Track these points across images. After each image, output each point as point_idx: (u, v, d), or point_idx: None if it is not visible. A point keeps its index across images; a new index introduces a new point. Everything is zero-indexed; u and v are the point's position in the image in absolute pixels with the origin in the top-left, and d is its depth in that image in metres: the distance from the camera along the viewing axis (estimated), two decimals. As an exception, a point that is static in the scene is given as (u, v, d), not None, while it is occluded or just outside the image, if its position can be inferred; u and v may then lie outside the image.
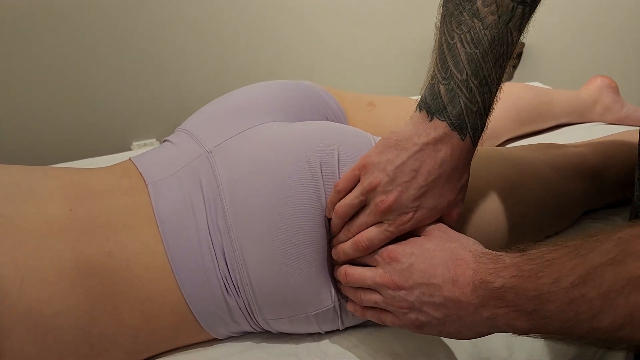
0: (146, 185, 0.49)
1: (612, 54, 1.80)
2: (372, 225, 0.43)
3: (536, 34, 2.19)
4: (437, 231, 0.43)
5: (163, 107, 1.66)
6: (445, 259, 0.39)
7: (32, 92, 1.43)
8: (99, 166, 0.56)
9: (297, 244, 0.45)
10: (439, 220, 0.44)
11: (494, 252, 0.38)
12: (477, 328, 0.37)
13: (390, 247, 0.42)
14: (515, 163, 0.59)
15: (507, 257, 0.35)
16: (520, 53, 2.14)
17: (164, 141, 0.59)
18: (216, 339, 0.51)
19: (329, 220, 0.46)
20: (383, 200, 0.41)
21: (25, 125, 1.45)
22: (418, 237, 0.42)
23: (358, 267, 0.44)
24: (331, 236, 0.47)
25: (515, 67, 2.19)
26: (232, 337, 0.51)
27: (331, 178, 0.47)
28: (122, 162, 0.56)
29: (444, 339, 0.50)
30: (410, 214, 0.41)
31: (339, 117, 0.65)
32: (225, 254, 0.46)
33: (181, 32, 1.58)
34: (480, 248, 0.40)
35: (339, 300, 0.48)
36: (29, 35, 1.35)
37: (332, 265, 0.48)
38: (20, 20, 1.32)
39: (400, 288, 0.40)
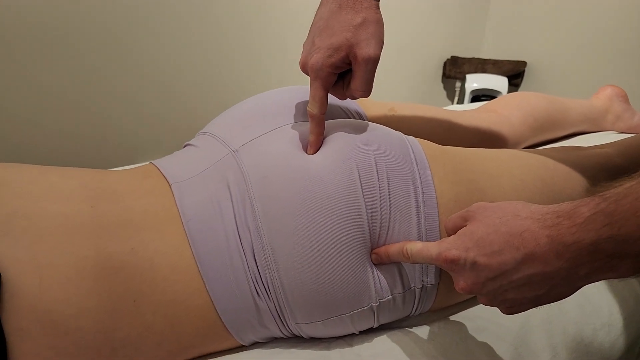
0: (170, 186, 0.48)
1: (613, 69, 1.83)
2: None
3: (538, 52, 2.22)
4: (477, 211, 0.39)
5: (175, 127, 1.68)
6: (506, 239, 0.35)
7: (45, 116, 1.43)
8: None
9: (332, 243, 0.43)
10: None
11: (556, 205, 0.34)
12: (575, 285, 0.34)
13: (443, 250, 0.39)
14: (547, 163, 0.57)
15: (585, 207, 0.32)
16: (523, 71, 2.17)
17: (186, 145, 0.58)
18: (242, 345, 0.48)
19: (367, 217, 0.44)
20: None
21: (36, 151, 1.45)
22: (464, 228, 0.39)
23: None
24: (370, 235, 0.45)
25: (517, 85, 2.21)
26: (258, 342, 0.49)
27: (368, 175, 0.45)
28: (143, 165, 0.55)
29: (483, 339, 0.48)
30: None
31: (362, 118, 0.64)
32: (255, 254, 0.44)
33: (193, 62, 1.62)
34: (535, 207, 0.36)
35: (377, 301, 0.45)
36: (43, 65, 1.36)
37: (370, 264, 0.45)
38: (44, 47, 1.34)
39: (473, 292, 0.38)
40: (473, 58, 2.25)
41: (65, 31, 1.36)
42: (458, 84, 2.26)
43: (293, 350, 0.47)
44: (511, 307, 0.38)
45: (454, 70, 2.25)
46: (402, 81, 2.25)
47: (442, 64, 2.32)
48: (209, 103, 1.70)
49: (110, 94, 1.51)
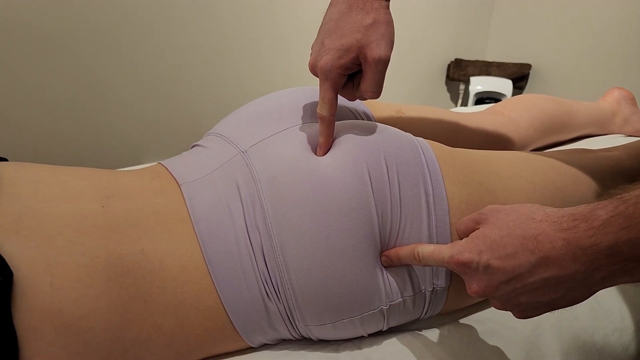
0: (179, 186, 0.48)
1: (619, 71, 1.82)
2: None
3: (542, 55, 2.22)
4: (490, 213, 0.39)
5: (177, 129, 1.68)
6: (520, 242, 0.34)
7: (46, 119, 1.44)
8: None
9: (342, 244, 0.43)
10: None
11: (572, 208, 0.34)
12: (591, 289, 0.34)
13: (455, 253, 0.38)
14: (556, 166, 0.57)
15: (602, 210, 0.31)
16: (527, 74, 2.17)
17: (194, 146, 0.58)
18: (250, 347, 0.48)
19: (377, 219, 0.44)
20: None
21: (37, 154, 1.45)
22: (477, 231, 0.39)
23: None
24: (380, 237, 0.45)
25: (522, 88, 2.21)
26: (266, 344, 0.49)
27: (378, 177, 0.45)
28: (151, 165, 0.55)
29: (493, 342, 0.47)
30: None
31: (369, 120, 0.64)
32: (265, 255, 0.44)
33: (195, 63, 1.62)
34: (550, 210, 0.35)
35: (387, 303, 0.45)
36: (46, 68, 1.37)
37: (380, 266, 0.45)
38: (45, 50, 1.34)
39: (486, 296, 0.37)
40: (477, 60, 2.25)
41: (68, 35, 1.37)
42: (462, 87, 2.26)
43: (302, 352, 0.47)
44: (524, 311, 0.37)
45: (458, 73, 2.25)
46: (405, 83, 2.25)
47: (445, 66, 2.32)
48: (212, 104, 1.70)
49: (111, 96, 1.51)
